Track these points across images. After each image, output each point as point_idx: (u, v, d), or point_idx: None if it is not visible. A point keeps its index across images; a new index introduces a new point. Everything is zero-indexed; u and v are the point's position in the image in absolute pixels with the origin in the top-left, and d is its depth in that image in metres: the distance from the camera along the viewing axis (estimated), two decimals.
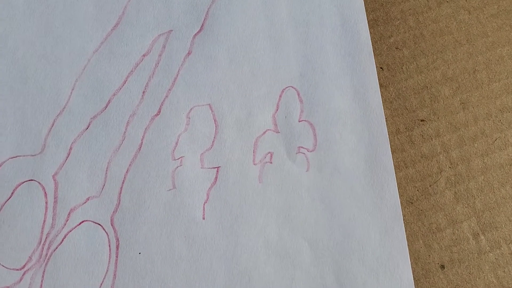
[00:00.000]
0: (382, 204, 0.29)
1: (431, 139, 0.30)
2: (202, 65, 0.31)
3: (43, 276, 0.27)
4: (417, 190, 0.30)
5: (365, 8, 0.32)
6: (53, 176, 0.29)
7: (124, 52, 0.31)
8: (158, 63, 0.31)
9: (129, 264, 0.28)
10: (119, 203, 0.28)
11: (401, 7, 0.33)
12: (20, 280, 0.27)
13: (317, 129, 0.30)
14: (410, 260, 0.28)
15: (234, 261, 0.28)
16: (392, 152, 0.30)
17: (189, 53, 0.31)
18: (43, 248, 0.28)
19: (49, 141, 0.29)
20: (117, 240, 0.28)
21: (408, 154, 0.30)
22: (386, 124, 0.30)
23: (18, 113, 0.30)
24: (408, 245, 0.28)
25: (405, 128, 0.31)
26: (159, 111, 0.30)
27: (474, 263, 0.29)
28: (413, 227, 0.29)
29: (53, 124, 0.29)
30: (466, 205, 0.29)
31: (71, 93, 0.30)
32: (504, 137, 0.30)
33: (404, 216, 0.29)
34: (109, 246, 0.28)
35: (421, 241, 0.29)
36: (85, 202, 0.28)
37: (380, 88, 0.31)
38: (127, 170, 0.29)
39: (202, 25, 0.31)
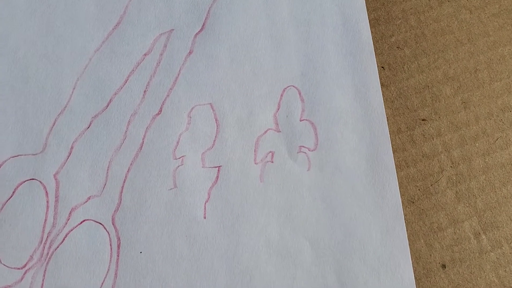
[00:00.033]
0: (383, 204, 0.29)
1: (433, 138, 0.30)
2: (203, 64, 0.31)
3: (44, 275, 0.27)
4: (418, 189, 0.30)
5: (366, 7, 0.32)
6: (54, 175, 0.29)
7: (125, 51, 0.31)
8: (159, 62, 0.31)
9: (130, 263, 0.28)
10: (120, 202, 0.28)
11: (403, 6, 0.33)
12: (21, 279, 0.27)
13: (318, 129, 0.30)
14: (411, 259, 0.28)
15: (235, 260, 0.28)
16: (393, 151, 0.30)
17: (190, 52, 0.31)
18: (44, 247, 0.28)
19: (50, 140, 0.29)
20: (118, 239, 0.28)
21: (409, 153, 0.30)
22: (388, 124, 0.30)
23: (19, 113, 0.30)
24: (409, 244, 0.28)
25: (407, 128, 0.31)
26: (160, 110, 0.30)
27: (475, 263, 0.28)
28: (414, 226, 0.29)
29: (54, 123, 0.30)
30: (467, 205, 0.29)
31: (72, 92, 0.30)
32: (506, 137, 0.30)
33: (405, 215, 0.29)
34: (110, 245, 0.28)
35: (422, 241, 0.29)
36: (86, 201, 0.28)
37: (381, 87, 0.31)
38: (128, 169, 0.29)
39: (204, 24, 0.31)
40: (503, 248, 0.29)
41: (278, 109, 0.30)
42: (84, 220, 0.28)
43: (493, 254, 0.29)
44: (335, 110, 0.30)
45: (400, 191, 0.29)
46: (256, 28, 0.31)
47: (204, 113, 0.30)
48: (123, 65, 0.31)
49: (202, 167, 0.29)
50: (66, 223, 0.28)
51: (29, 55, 0.31)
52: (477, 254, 0.29)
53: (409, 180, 0.30)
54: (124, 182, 0.29)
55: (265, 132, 0.30)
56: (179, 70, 0.31)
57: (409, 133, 0.30)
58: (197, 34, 0.31)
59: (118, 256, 0.28)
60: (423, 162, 0.30)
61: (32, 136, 0.29)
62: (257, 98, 0.30)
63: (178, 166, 0.29)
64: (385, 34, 0.32)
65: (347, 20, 0.32)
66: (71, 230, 0.28)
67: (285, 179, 0.29)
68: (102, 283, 0.27)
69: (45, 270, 0.27)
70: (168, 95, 0.30)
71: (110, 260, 0.28)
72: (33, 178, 0.29)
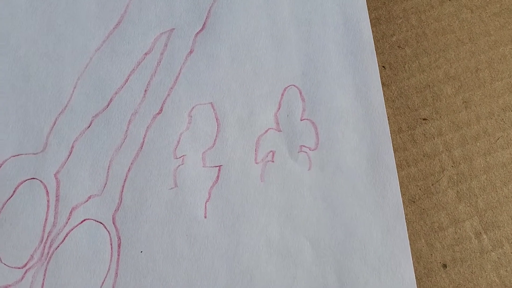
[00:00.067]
0: (384, 203, 0.29)
1: (433, 138, 0.30)
2: (204, 63, 0.31)
3: (44, 275, 0.27)
4: (419, 189, 0.30)
5: (367, 6, 0.32)
6: (55, 175, 0.29)
7: (126, 51, 0.31)
8: (160, 62, 0.31)
9: (131, 263, 0.28)
10: (120, 201, 0.28)
11: (404, 5, 0.33)
12: (22, 278, 0.27)
13: (319, 128, 0.30)
14: (412, 259, 0.28)
15: (235, 260, 0.28)
16: (394, 151, 0.30)
17: (191, 52, 0.31)
18: (44, 246, 0.28)
19: (51, 140, 0.29)
20: (119, 238, 0.28)
21: (410, 153, 0.30)
22: (388, 123, 0.30)
23: (20, 112, 0.30)
24: (410, 244, 0.28)
25: (407, 127, 0.31)
26: (161, 110, 0.30)
27: (476, 262, 0.28)
28: (415, 226, 0.29)
29: (55, 123, 0.29)
30: (468, 204, 0.29)
31: (73, 91, 0.30)
32: (507, 136, 0.30)
33: (406, 215, 0.29)
34: (111, 244, 0.28)
35: (423, 240, 0.29)
36: (87, 201, 0.28)
37: (382, 86, 0.31)
38: (129, 168, 0.29)
39: (204, 24, 0.31)
40: (504, 247, 0.29)
41: (279, 109, 0.30)
42: (84, 220, 0.28)
43: (494, 253, 0.29)
44: (336, 109, 0.30)
45: (401, 191, 0.29)
46: (257, 27, 0.31)
47: (205, 112, 0.30)
48: (124, 64, 0.31)
49: (203, 166, 0.29)
50: (67, 223, 0.28)
51: (30, 54, 0.31)
52: (478, 253, 0.29)
53: (410, 179, 0.30)
54: (124, 181, 0.29)
55: (266, 131, 0.30)
56: (180, 70, 0.31)
57: (410, 133, 0.30)
58: (198, 33, 0.31)
59: (118, 255, 0.28)
60: (424, 162, 0.30)
61: (33, 135, 0.29)
62: (257, 98, 0.30)
63: (179, 166, 0.29)
64: (386, 34, 0.32)
65: (348, 19, 0.32)
66: (72, 229, 0.28)
67: (285, 178, 0.29)
68: (103, 283, 0.27)
69: (46, 270, 0.27)
70: (168, 95, 0.30)
71: (111, 260, 0.28)
72: (34, 177, 0.29)
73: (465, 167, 0.30)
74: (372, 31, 0.32)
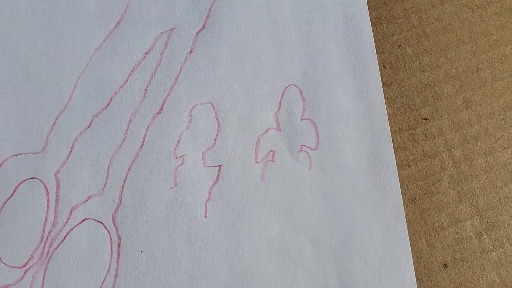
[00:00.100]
0: (384, 203, 0.29)
1: (434, 137, 0.30)
2: (204, 63, 0.31)
3: (44, 274, 0.27)
4: (420, 189, 0.29)
5: (368, 6, 0.32)
6: (55, 174, 0.29)
7: (126, 50, 0.31)
8: (160, 61, 0.31)
9: (131, 263, 0.28)
10: (120, 201, 0.28)
11: (404, 5, 0.32)
12: (22, 278, 0.27)
13: (320, 128, 0.30)
14: (413, 259, 0.28)
15: (236, 259, 0.28)
16: (395, 150, 0.30)
17: (191, 51, 0.31)
18: (44, 246, 0.28)
19: (51, 139, 0.29)
20: (119, 238, 0.28)
21: (410, 152, 0.30)
22: (389, 123, 0.30)
23: (20, 111, 0.30)
24: (410, 244, 0.28)
25: (408, 127, 0.30)
26: (161, 109, 0.30)
27: (477, 263, 0.28)
28: (415, 226, 0.29)
29: (55, 122, 0.29)
30: (469, 204, 0.29)
31: (73, 91, 0.30)
32: (507, 136, 0.30)
33: (406, 215, 0.29)
34: (111, 244, 0.28)
35: (423, 240, 0.29)
36: (87, 200, 0.28)
37: (383, 86, 0.31)
38: (129, 168, 0.29)
39: (205, 23, 0.31)
40: (505, 247, 0.29)
41: (279, 108, 0.30)
42: (84, 219, 0.28)
43: (494, 254, 0.29)
44: (337, 109, 0.30)
45: (401, 191, 0.29)
46: (257, 27, 0.31)
47: (205, 112, 0.30)
48: (124, 64, 0.31)
49: (203, 166, 0.29)
50: (67, 222, 0.28)
51: (30, 54, 0.31)
52: (479, 254, 0.29)
53: (411, 179, 0.30)
54: (124, 181, 0.29)
55: (266, 131, 0.30)
56: (180, 69, 0.31)
57: (410, 132, 0.30)
58: (198, 32, 0.31)
59: (118, 255, 0.28)
60: (425, 162, 0.30)
61: (33, 134, 0.29)
62: (258, 97, 0.30)
63: (179, 165, 0.29)
64: (386, 33, 0.32)
65: (348, 19, 0.32)
66: (72, 229, 0.28)
67: (286, 178, 0.29)
68: (103, 282, 0.27)
69: (46, 269, 0.27)
70: (169, 94, 0.30)
71: (111, 259, 0.28)
72: (34, 177, 0.29)
73: (465, 167, 0.30)
74: (373, 31, 0.32)
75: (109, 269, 0.27)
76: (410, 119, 0.31)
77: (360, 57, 0.31)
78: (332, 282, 0.28)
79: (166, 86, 0.30)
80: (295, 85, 0.31)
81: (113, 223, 0.28)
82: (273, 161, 0.29)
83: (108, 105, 0.30)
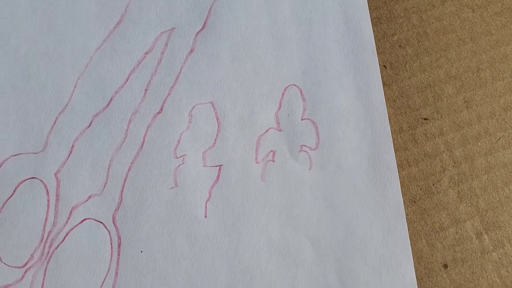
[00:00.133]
0: (385, 203, 0.29)
1: (435, 137, 0.30)
2: (204, 63, 0.31)
3: (44, 274, 0.27)
4: (420, 189, 0.29)
5: (368, 6, 0.32)
6: (55, 174, 0.29)
7: (126, 50, 0.31)
8: (160, 61, 0.31)
9: (131, 262, 0.28)
10: (121, 201, 0.28)
11: (405, 5, 0.32)
12: (22, 278, 0.27)
13: (320, 127, 0.30)
14: (413, 259, 0.28)
15: (236, 259, 0.28)
16: (395, 150, 0.30)
17: (191, 51, 0.31)
18: (45, 246, 0.28)
19: (51, 139, 0.29)
20: (119, 238, 0.28)
21: (411, 152, 0.30)
22: (389, 123, 0.30)
23: (20, 111, 0.30)
24: (411, 244, 0.28)
25: (408, 127, 0.30)
26: (161, 109, 0.30)
27: (477, 263, 0.28)
28: (416, 226, 0.29)
29: (55, 122, 0.29)
30: (469, 204, 0.29)
31: (73, 91, 0.30)
32: (508, 136, 0.30)
33: (407, 215, 0.29)
34: (111, 244, 0.28)
35: (424, 240, 0.29)
36: (87, 200, 0.28)
37: (383, 86, 0.31)
38: (129, 168, 0.29)
39: (205, 23, 0.31)
40: (505, 248, 0.29)
41: (280, 108, 0.30)
42: (84, 219, 0.28)
43: (495, 254, 0.29)
44: (337, 109, 0.30)
45: (401, 191, 0.29)
46: (257, 26, 0.31)
47: (205, 111, 0.30)
48: (124, 64, 0.31)
49: (203, 166, 0.29)
50: (67, 222, 0.28)
51: (30, 54, 0.31)
52: (479, 254, 0.29)
53: (411, 179, 0.30)
54: (124, 181, 0.29)
55: (266, 131, 0.30)
56: (180, 69, 0.31)
57: (411, 132, 0.30)
58: (198, 32, 0.31)
59: (118, 255, 0.28)
60: (425, 162, 0.30)
61: (33, 134, 0.29)
62: (258, 97, 0.30)
63: (179, 165, 0.29)
64: (387, 33, 0.32)
65: (349, 18, 0.32)
66: (72, 229, 0.28)
67: (286, 178, 0.29)
68: (103, 282, 0.27)
69: (46, 269, 0.27)
70: (169, 94, 0.30)
71: (111, 259, 0.28)
72: (34, 176, 0.29)
73: (466, 167, 0.30)
74: (373, 31, 0.31)
75: (109, 269, 0.27)
76: (410, 119, 0.31)
77: (360, 57, 0.31)
78: (333, 282, 0.28)
79: (166, 86, 0.30)
80: (295, 85, 0.31)
81: (113, 223, 0.28)
82: (274, 161, 0.29)
83: (108, 105, 0.30)
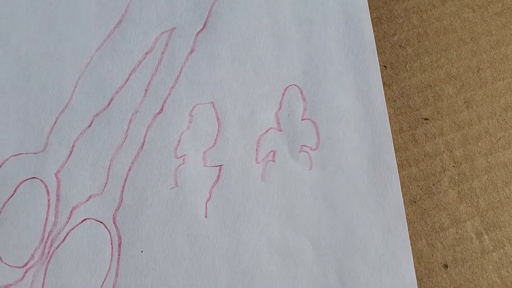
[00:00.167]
0: (385, 203, 0.29)
1: (435, 138, 0.30)
2: (205, 63, 0.31)
3: (45, 274, 0.27)
4: (421, 189, 0.29)
5: (369, 6, 0.32)
6: (56, 174, 0.29)
7: (126, 50, 0.31)
8: (160, 61, 0.31)
9: (131, 262, 0.28)
10: (121, 201, 0.28)
11: (405, 5, 0.32)
12: (22, 278, 0.27)
13: (320, 128, 0.30)
14: (413, 259, 0.28)
15: (236, 259, 0.28)
16: (396, 150, 0.30)
17: (192, 51, 0.31)
18: (45, 246, 0.28)
19: (52, 139, 0.29)
20: (119, 238, 0.28)
21: (411, 153, 0.30)
22: (390, 123, 0.30)
23: (21, 111, 0.30)
24: (411, 244, 0.28)
25: (409, 127, 0.30)
26: (161, 109, 0.30)
27: (478, 263, 0.28)
28: (416, 226, 0.29)
29: (55, 122, 0.29)
30: (469, 205, 0.29)
31: (73, 91, 0.30)
32: (508, 136, 0.30)
33: (407, 215, 0.29)
34: (111, 244, 0.28)
35: (424, 240, 0.29)
36: (88, 200, 0.28)
37: (383, 86, 0.31)
38: (130, 168, 0.29)
39: (205, 23, 0.31)
40: (506, 248, 0.29)
41: (280, 108, 0.30)
42: (85, 219, 0.28)
43: (495, 254, 0.29)
44: (337, 109, 0.30)
45: (402, 191, 0.29)
46: (258, 26, 0.31)
47: (206, 112, 0.30)
48: (125, 64, 0.31)
49: (204, 166, 0.29)
50: (67, 222, 0.28)
51: (31, 54, 0.31)
52: (479, 254, 0.29)
53: (411, 179, 0.30)
54: (125, 181, 0.29)
55: (267, 131, 0.30)
56: (181, 69, 0.31)
57: (411, 133, 0.30)
58: (198, 32, 0.31)
59: (119, 255, 0.28)
60: (425, 162, 0.30)
61: (34, 134, 0.29)
62: (258, 97, 0.30)
63: (180, 165, 0.29)
64: (387, 33, 0.32)
65: (349, 18, 0.32)
66: (72, 229, 0.28)
67: (286, 178, 0.29)
68: (103, 282, 0.27)
69: (46, 269, 0.27)
70: (169, 94, 0.30)
71: (111, 259, 0.28)
72: (34, 176, 0.29)
73: (466, 167, 0.30)
74: (374, 31, 0.31)
75: (109, 269, 0.28)
76: (410, 119, 0.31)
77: (360, 57, 0.31)
78: (333, 282, 0.28)
79: (166, 86, 0.30)
80: (295, 85, 0.30)
81: (114, 223, 0.28)
82: (274, 161, 0.29)
83: (108, 105, 0.30)
